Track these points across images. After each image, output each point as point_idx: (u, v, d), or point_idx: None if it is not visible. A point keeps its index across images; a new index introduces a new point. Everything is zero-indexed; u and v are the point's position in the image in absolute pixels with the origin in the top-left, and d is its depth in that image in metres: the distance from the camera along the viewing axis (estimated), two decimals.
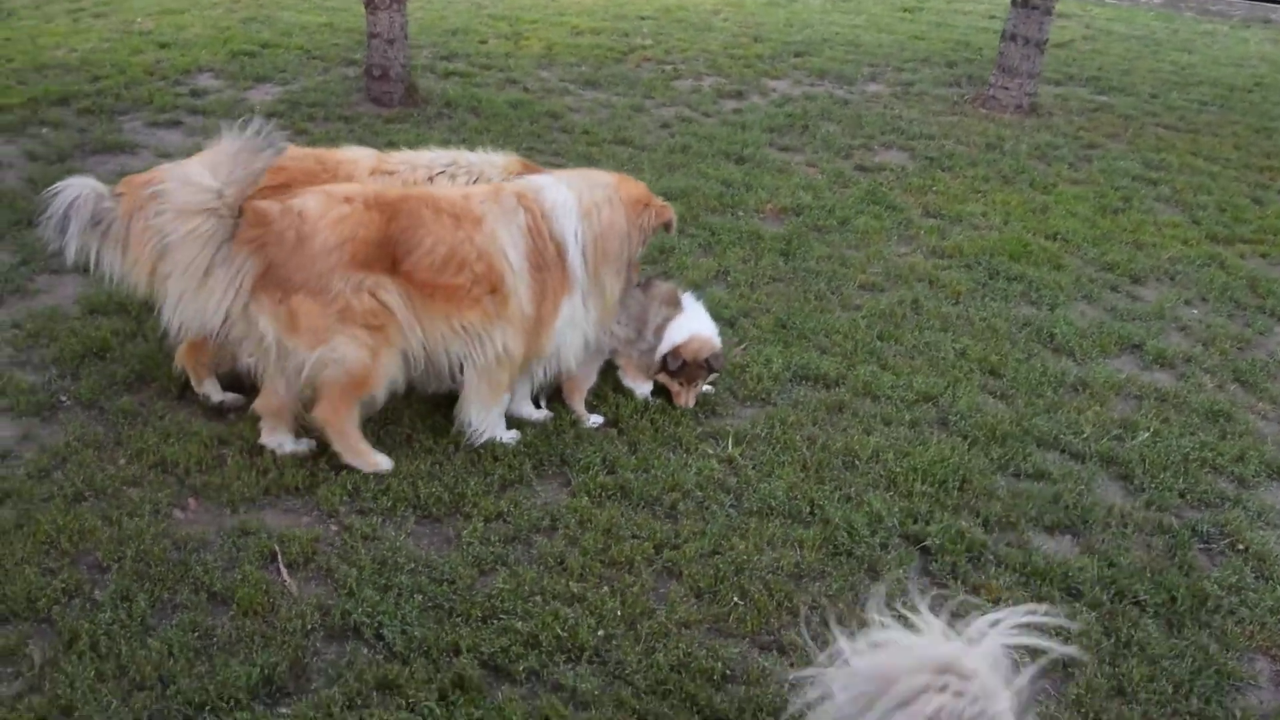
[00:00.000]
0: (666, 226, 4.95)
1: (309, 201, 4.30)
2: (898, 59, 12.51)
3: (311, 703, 3.37)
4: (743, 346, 5.74)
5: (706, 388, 5.25)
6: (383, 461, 4.55)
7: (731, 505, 4.49)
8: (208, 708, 3.34)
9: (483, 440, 4.68)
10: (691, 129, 9.42)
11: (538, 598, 3.88)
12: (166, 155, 7.26)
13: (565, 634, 3.69)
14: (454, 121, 9.09)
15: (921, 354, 5.85)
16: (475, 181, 4.96)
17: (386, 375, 4.44)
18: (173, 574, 3.86)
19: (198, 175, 4.13)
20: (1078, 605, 4.07)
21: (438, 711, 3.36)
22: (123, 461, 4.46)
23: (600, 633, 3.74)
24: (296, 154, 4.85)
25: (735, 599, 3.97)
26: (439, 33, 12.17)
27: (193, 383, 4.89)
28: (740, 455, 4.82)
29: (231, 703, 3.35)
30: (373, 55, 9.20)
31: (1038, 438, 5.15)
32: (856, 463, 4.83)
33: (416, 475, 4.50)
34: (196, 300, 4.19)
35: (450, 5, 13.79)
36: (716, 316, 5.42)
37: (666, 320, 5.13)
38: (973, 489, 4.71)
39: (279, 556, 4.00)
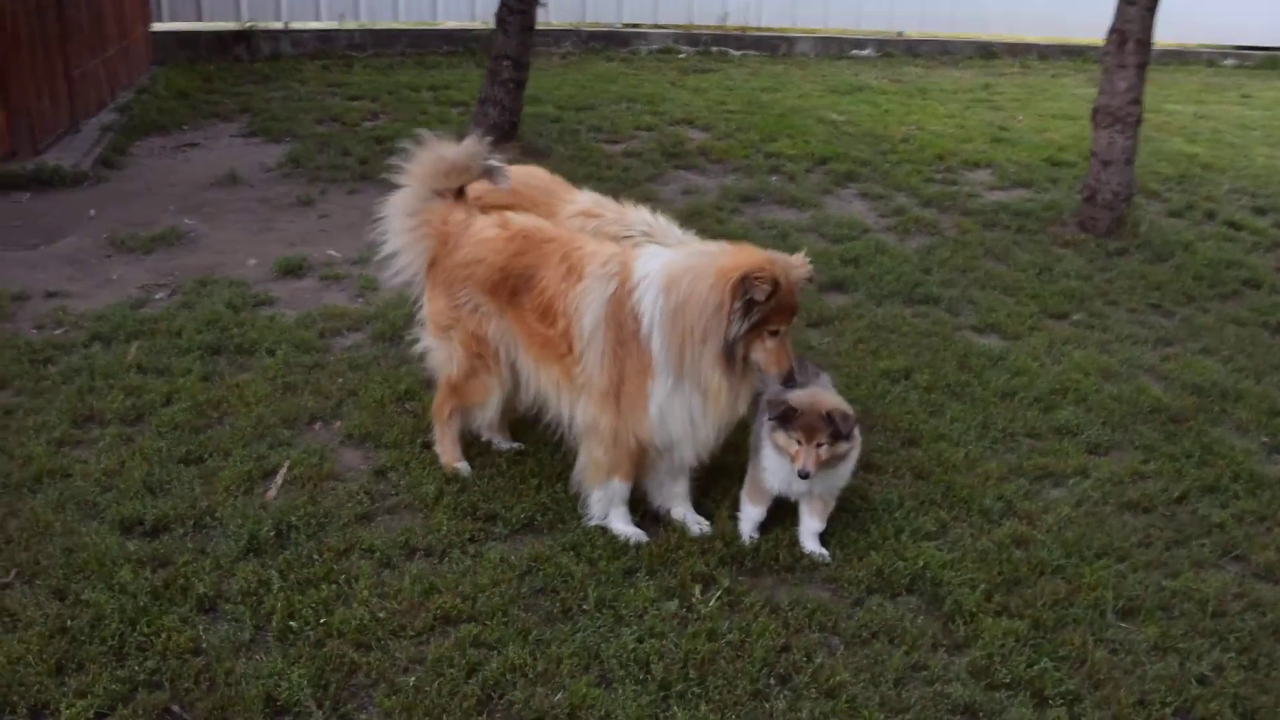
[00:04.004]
0: (774, 286, 4.14)
1: (481, 219, 4.96)
2: None
3: (143, 549, 4.43)
4: None
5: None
6: (462, 469, 5.06)
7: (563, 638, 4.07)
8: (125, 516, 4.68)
9: (593, 523, 4.62)
10: None
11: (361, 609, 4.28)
12: (788, 226, 8.53)
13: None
14: (1134, 260, 8.18)
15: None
16: None
17: (483, 397, 4.93)
18: (228, 442, 5.21)
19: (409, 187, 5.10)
20: None
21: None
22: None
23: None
24: (538, 181, 5.61)
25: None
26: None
27: None
28: (712, 609, 4.21)
29: (125, 523, 4.61)
30: (1089, 175, 8.68)
31: None
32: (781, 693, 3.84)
33: (465, 482, 4.98)
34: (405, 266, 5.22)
35: None
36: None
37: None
38: None
39: (283, 471, 5.04)
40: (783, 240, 8.33)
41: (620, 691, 3.72)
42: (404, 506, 4.81)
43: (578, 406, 4.62)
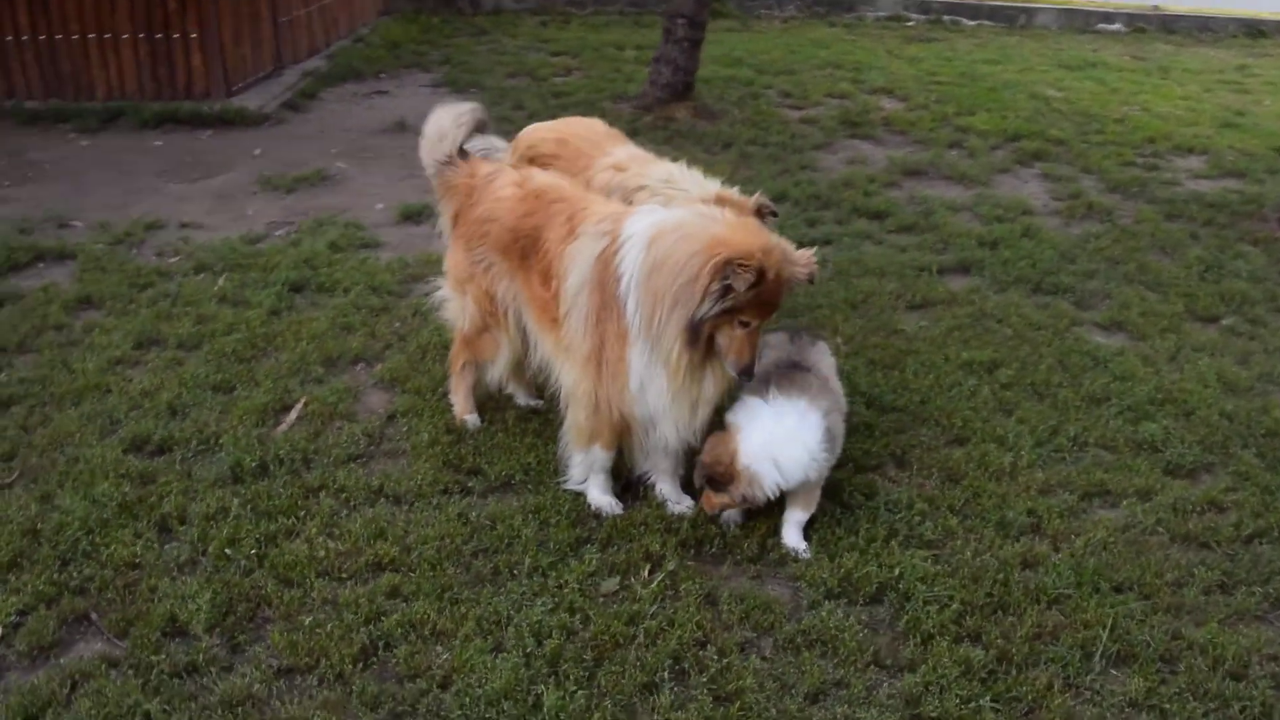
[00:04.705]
0: (759, 278, 3.86)
1: (504, 174, 4.84)
2: None
3: (137, 466, 4.76)
4: None
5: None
6: (470, 421, 5.09)
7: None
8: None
9: (570, 486, 4.54)
10: None
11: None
12: (941, 203, 8.31)
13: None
14: None
15: None
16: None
17: (493, 354, 4.90)
18: (263, 375, 5.47)
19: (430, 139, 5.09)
20: None
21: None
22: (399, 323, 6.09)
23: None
24: (588, 133, 5.51)
25: None
26: None
27: None
28: (649, 591, 4.07)
29: (136, 440, 4.96)
30: None
31: None
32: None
33: (463, 434, 5.01)
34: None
35: None
36: None
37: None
38: None
39: (299, 405, 5.25)
40: (925, 217, 7.85)
41: (503, 661, 3.63)
42: (399, 452, 4.89)
43: (564, 371, 4.50)
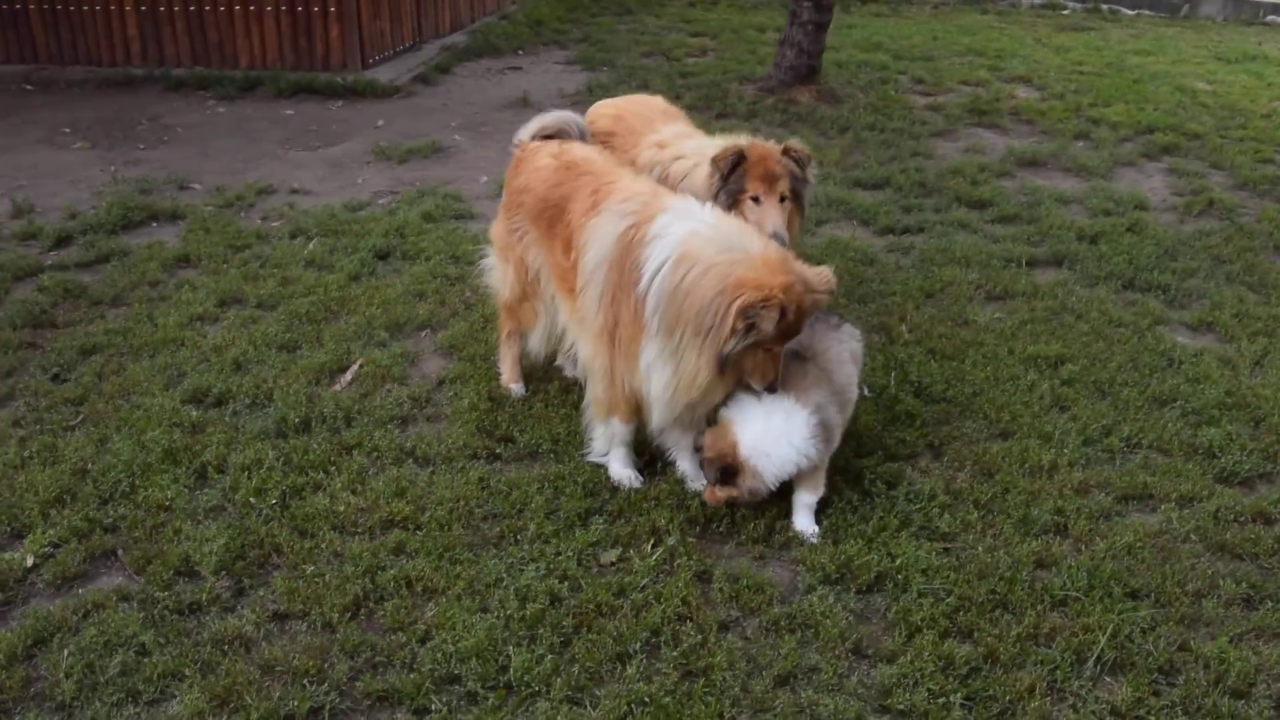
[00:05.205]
0: (781, 316, 3.95)
1: (547, 147, 4.98)
2: None
3: (190, 416, 5.13)
4: None
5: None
6: (515, 390, 5.25)
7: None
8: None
9: (593, 459, 4.65)
10: None
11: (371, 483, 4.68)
12: (1052, 194, 8.05)
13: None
14: None
15: None
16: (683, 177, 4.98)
17: (531, 322, 5.02)
18: (329, 336, 5.75)
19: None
20: None
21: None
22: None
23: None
24: (645, 110, 5.57)
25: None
26: None
27: None
28: (647, 565, 4.15)
29: (197, 393, 5.32)
30: None
31: None
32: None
33: (506, 402, 5.16)
34: None
35: None
36: None
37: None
38: None
39: (354, 367, 5.50)
40: (1029, 209, 7.62)
41: (482, 621, 3.75)
42: (439, 416, 5.06)
43: (580, 342, 4.61)
